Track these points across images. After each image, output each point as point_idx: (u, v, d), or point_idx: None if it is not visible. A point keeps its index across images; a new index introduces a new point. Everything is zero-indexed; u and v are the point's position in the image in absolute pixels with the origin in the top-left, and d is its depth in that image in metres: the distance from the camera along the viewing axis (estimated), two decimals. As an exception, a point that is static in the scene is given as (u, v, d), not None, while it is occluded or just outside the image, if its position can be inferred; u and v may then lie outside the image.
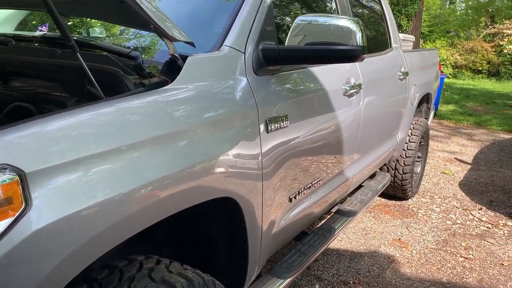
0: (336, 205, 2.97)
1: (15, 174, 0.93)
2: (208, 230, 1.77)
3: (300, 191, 2.09)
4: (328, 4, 2.63)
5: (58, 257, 1.01)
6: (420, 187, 4.69)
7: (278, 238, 2.04)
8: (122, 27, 2.18)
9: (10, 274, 0.93)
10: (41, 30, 2.54)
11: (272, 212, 1.87)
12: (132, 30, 2.07)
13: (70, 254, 1.03)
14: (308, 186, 2.17)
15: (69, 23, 2.72)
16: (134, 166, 1.17)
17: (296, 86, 1.99)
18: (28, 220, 0.94)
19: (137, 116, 1.25)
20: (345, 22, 1.75)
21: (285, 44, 1.78)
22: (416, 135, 4.02)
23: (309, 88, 2.09)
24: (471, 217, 4.04)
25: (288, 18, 2.28)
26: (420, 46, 16.19)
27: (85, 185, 1.06)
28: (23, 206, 0.94)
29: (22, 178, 0.94)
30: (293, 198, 2.04)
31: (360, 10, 3.39)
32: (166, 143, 1.29)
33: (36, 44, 1.96)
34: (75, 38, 1.71)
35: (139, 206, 1.19)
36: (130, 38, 2.08)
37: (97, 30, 2.26)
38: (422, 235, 3.62)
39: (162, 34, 1.40)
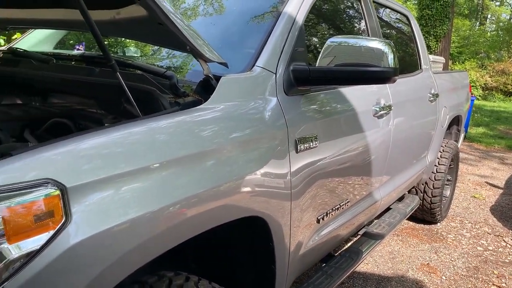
0: (363, 227, 2.92)
1: (56, 188, 0.96)
2: (235, 250, 1.77)
3: (328, 212, 2.08)
4: (359, 25, 2.65)
5: (93, 271, 1.03)
6: (450, 211, 4.57)
7: (305, 259, 2.02)
8: (155, 47, 2.25)
9: (48, 286, 0.95)
10: (78, 49, 2.64)
11: (300, 233, 1.86)
12: (165, 50, 2.13)
13: (105, 269, 1.05)
14: (336, 207, 2.15)
15: (105, 42, 2.82)
16: (164, 185, 1.19)
17: (325, 107, 2.00)
18: (67, 234, 0.97)
19: (170, 135, 1.28)
20: (376, 44, 1.76)
21: (316, 65, 1.79)
22: (446, 158, 3.94)
23: (339, 108, 2.09)
24: (504, 244, 3.90)
25: (319, 39, 2.31)
26: (449, 68, 15.99)
27: (117, 202, 1.08)
28: (63, 220, 0.96)
29: (64, 192, 0.97)
30: (321, 219, 2.02)
31: (390, 31, 3.39)
32: (197, 162, 1.31)
33: (73, 63, 2.04)
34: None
35: (170, 224, 1.21)
36: (163, 58, 2.14)
37: (132, 49, 2.34)
38: (452, 260, 3.52)
39: (197, 55, 1.44)
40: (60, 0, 1.58)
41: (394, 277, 3.20)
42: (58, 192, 0.96)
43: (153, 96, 1.42)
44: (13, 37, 3.81)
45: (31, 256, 0.93)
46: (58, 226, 0.96)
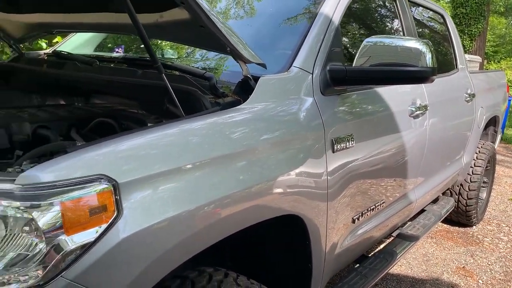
0: (397, 229, 2.89)
1: (109, 184, 1.01)
2: (271, 248, 1.79)
3: (363, 212, 2.07)
4: (394, 25, 2.63)
5: (140, 265, 1.07)
6: (486, 214, 4.46)
7: (340, 259, 2.03)
8: (189, 50, 2.31)
9: (100, 277, 1.00)
10: (117, 52, 2.72)
11: (336, 232, 1.86)
12: (198, 51, 2.18)
13: (150, 264, 1.10)
14: (371, 207, 2.14)
15: (141, 46, 2.90)
16: (209, 183, 1.23)
17: (361, 107, 2.00)
18: (118, 228, 1.01)
19: (213, 134, 1.32)
20: (414, 43, 1.75)
21: (353, 65, 1.80)
22: (482, 159, 3.85)
23: (375, 108, 2.08)
24: (544, 249, 3.78)
25: (354, 40, 2.31)
26: (484, 67, 15.53)
27: (161, 199, 1.13)
28: (115, 214, 1.01)
29: (116, 188, 1.02)
30: (356, 219, 2.02)
31: (425, 31, 3.34)
32: (239, 161, 1.34)
33: (112, 65, 2.11)
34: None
35: (212, 221, 1.24)
36: (197, 60, 2.19)
37: (170, 51, 2.40)
38: (489, 264, 3.43)
39: (237, 56, 1.47)
40: (107, 5, 1.65)
41: (429, 279, 3.15)
42: (110, 187, 1.01)
43: (195, 96, 1.46)
44: (54, 41, 3.96)
45: (86, 248, 0.98)
46: (111, 220, 1.01)
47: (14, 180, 0.96)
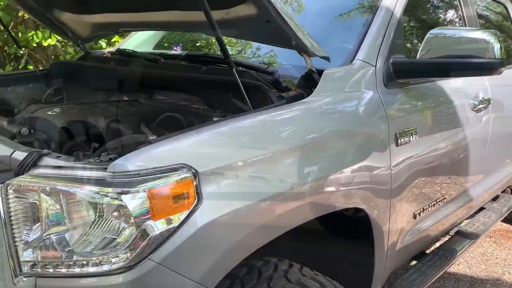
0: (456, 226, 2.81)
1: (190, 172, 1.06)
2: (333, 242, 1.80)
3: (424, 208, 2.04)
4: (455, 16, 2.56)
5: (218, 251, 1.12)
6: (549, 213, 4.23)
7: (401, 254, 2.01)
8: (240, 46, 2.35)
9: (182, 262, 1.06)
10: (175, 50, 2.81)
11: (398, 227, 1.84)
12: (249, 48, 2.22)
13: (226, 250, 1.15)
14: (432, 203, 2.10)
15: (197, 44, 2.97)
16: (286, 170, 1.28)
17: (424, 100, 1.96)
18: (199, 214, 1.06)
19: (282, 125, 1.36)
20: (481, 34, 1.71)
21: (417, 57, 1.77)
22: (547, 156, 3.65)
23: (438, 102, 2.04)
24: None
25: (416, 31, 2.27)
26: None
27: (237, 188, 1.17)
28: (195, 202, 1.06)
29: (196, 176, 1.07)
30: (417, 215, 1.99)
31: (486, 21, 3.22)
32: (304, 154, 1.37)
33: (174, 61, 2.17)
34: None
35: (287, 209, 1.29)
36: (249, 57, 2.23)
37: (228, 48, 2.45)
38: (554, 266, 3.27)
39: (302, 49, 1.49)
40: (175, 3, 1.71)
41: (489, 279, 3.04)
42: (191, 176, 1.06)
43: (261, 91, 1.49)
44: (112, 40, 4.12)
45: (170, 233, 1.03)
46: (192, 207, 1.06)
47: (105, 168, 1.03)
